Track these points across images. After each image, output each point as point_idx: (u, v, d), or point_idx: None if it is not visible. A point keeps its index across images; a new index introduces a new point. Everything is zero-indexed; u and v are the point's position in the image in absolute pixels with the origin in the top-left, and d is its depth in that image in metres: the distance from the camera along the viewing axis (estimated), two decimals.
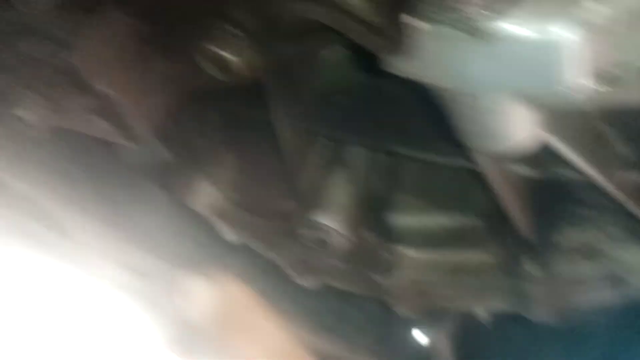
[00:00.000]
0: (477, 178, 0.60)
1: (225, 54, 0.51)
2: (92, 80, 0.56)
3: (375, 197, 0.67)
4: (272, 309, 1.10)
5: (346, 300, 1.06)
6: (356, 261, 0.69)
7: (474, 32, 0.33)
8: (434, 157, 0.56)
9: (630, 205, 0.52)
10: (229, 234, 0.91)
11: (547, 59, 0.36)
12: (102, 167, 1.02)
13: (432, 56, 0.35)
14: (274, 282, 1.10)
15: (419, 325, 0.80)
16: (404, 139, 0.58)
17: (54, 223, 1.10)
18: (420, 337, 0.84)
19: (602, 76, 0.38)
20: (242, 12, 0.49)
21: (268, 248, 0.80)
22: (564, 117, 0.44)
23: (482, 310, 0.67)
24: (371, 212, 0.67)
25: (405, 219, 0.65)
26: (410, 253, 0.66)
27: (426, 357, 0.84)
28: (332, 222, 0.65)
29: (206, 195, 0.85)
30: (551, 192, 0.58)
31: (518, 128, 0.42)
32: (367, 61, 0.63)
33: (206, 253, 1.08)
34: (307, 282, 0.83)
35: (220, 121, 0.80)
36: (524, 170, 0.56)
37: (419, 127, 0.57)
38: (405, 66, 0.37)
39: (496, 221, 0.60)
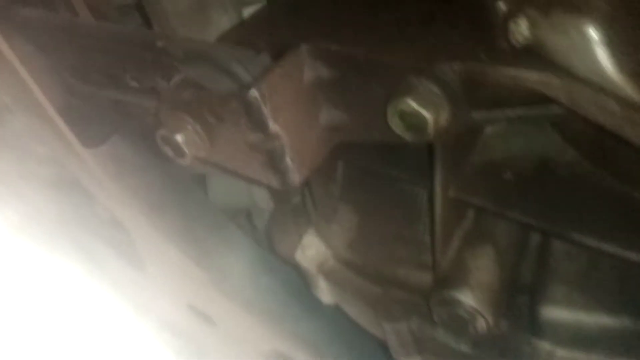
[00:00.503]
0: None
1: (421, 110, 0.47)
2: (269, 119, 0.53)
3: (524, 283, 0.63)
4: None
5: None
6: (489, 348, 0.63)
7: None
8: (616, 250, 0.51)
9: None
10: (325, 295, 0.86)
11: None
12: (193, 207, 1.00)
13: None
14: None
15: None
16: (578, 224, 0.53)
17: (131, 251, 1.07)
18: None
19: None
20: (448, 70, 0.46)
21: (376, 319, 0.74)
22: None
23: None
24: (517, 298, 0.62)
25: (557, 313, 0.60)
26: (555, 351, 0.60)
27: None
28: (474, 302, 0.59)
29: (314, 250, 0.81)
30: None
31: None
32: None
33: (284, 307, 1.03)
34: None
35: (345, 175, 0.76)
36: None
37: (597, 215, 0.53)
38: None
39: None
